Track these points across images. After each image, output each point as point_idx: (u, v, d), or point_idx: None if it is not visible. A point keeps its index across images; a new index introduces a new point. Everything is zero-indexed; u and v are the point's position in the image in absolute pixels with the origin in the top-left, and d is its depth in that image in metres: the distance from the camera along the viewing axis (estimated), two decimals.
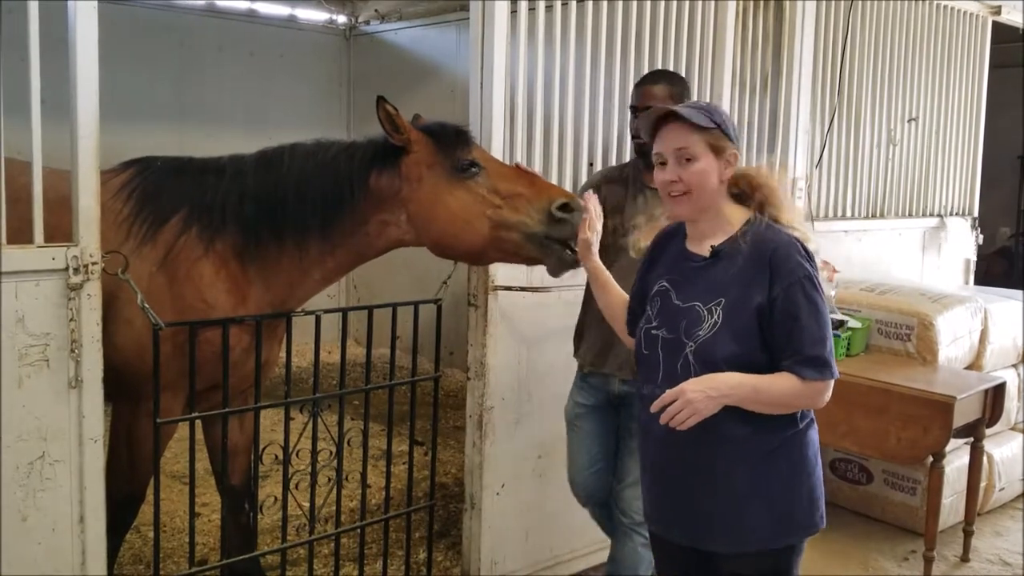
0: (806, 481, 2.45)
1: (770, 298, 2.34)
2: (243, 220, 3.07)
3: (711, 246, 2.47)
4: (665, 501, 2.54)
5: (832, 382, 2.38)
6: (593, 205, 2.93)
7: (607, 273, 2.91)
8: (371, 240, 3.17)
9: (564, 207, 3.02)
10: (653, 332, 2.50)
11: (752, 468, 2.40)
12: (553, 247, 3.05)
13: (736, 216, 2.48)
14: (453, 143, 3.10)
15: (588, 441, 3.55)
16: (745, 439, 2.38)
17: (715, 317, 2.38)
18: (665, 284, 2.53)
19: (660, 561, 2.73)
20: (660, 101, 3.22)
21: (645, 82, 3.51)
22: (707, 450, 2.40)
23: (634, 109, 3.47)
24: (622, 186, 3.48)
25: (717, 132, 2.42)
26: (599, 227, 2.91)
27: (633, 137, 3.53)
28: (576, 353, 3.59)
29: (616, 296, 2.87)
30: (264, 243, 3.08)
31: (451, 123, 3.21)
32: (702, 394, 2.27)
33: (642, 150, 3.32)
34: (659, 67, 4.35)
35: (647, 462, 2.60)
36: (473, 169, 3.08)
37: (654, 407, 2.33)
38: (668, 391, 2.31)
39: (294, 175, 3.09)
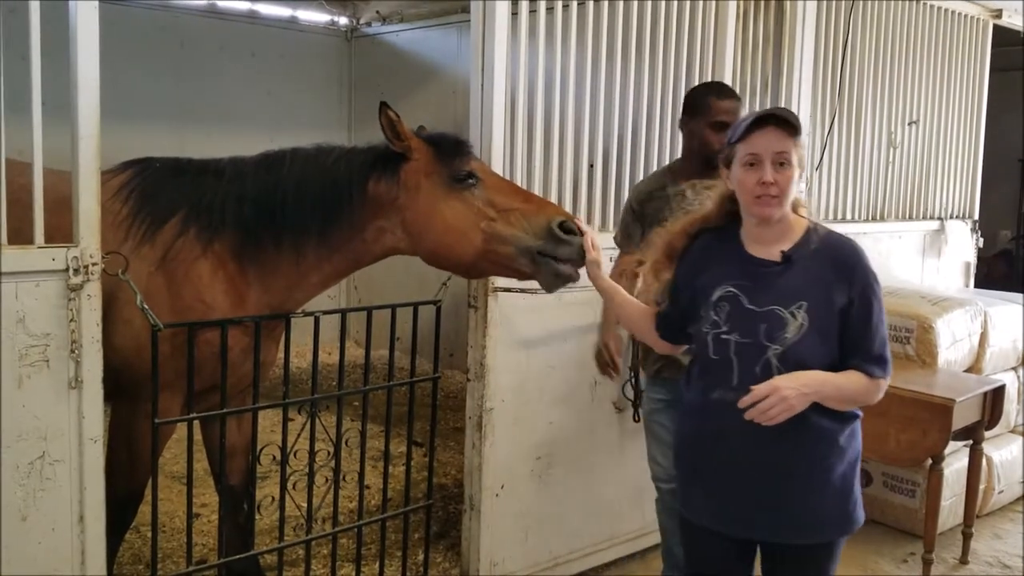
0: (859, 472, 2.62)
1: (848, 299, 2.49)
2: (242, 222, 3.08)
3: (782, 251, 2.55)
4: (742, 499, 2.58)
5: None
6: (585, 226, 3.07)
7: (621, 289, 2.99)
8: (368, 246, 3.19)
9: (565, 227, 3.04)
10: (723, 337, 2.54)
11: (832, 458, 2.54)
12: (547, 262, 3.06)
13: (796, 223, 2.60)
14: (452, 153, 3.12)
15: (669, 438, 3.62)
16: (829, 431, 2.52)
17: (800, 320, 2.46)
18: (732, 289, 2.56)
19: (704, 559, 2.75)
20: (733, 116, 3.30)
21: (723, 96, 3.54)
22: (795, 444, 2.49)
23: (719, 124, 3.44)
24: (663, 201, 3.56)
25: (800, 141, 2.52)
26: (600, 244, 3.01)
27: (707, 149, 3.47)
28: (643, 365, 3.76)
29: (635, 307, 2.95)
30: (262, 245, 3.09)
31: (452, 133, 3.22)
32: (795, 391, 2.39)
33: (713, 163, 3.38)
34: (659, 69, 4.37)
35: (713, 463, 2.63)
36: (470, 180, 3.10)
37: (744, 402, 2.41)
38: (759, 387, 2.40)
39: (294, 178, 3.10)
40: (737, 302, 2.54)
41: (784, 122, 2.49)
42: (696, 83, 4.53)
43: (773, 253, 2.57)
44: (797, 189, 2.57)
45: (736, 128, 2.57)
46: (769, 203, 2.49)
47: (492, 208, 3.08)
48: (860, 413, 2.62)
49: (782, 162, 2.48)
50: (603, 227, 4.24)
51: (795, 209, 2.61)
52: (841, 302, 2.48)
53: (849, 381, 2.48)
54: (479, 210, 3.07)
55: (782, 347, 2.46)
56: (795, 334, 2.46)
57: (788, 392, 2.38)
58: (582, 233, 3.04)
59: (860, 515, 2.63)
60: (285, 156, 3.19)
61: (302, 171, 3.12)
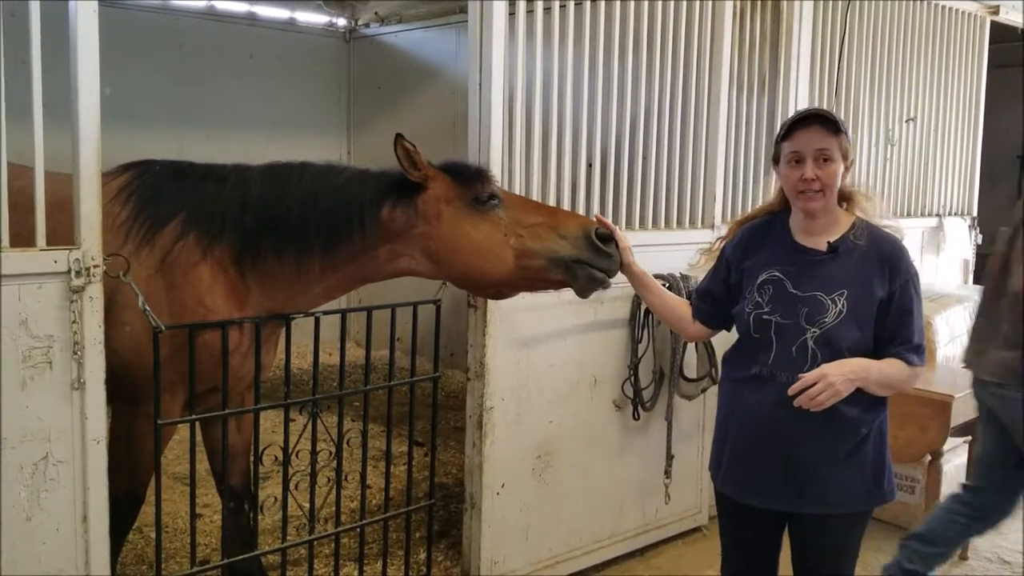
0: (888, 453, 2.83)
1: (889, 292, 2.67)
2: (243, 231, 3.07)
3: (828, 242, 2.73)
4: (766, 471, 2.77)
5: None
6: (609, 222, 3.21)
7: (650, 276, 3.17)
8: (379, 265, 3.19)
9: (601, 235, 3.07)
10: (765, 317, 2.73)
11: (856, 441, 2.71)
12: (583, 267, 3.07)
13: (843, 217, 2.78)
14: (473, 178, 3.13)
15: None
16: (858, 420, 2.69)
17: (839, 306, 2.66)
18: (778, 274, 2.76)
19: (736, 530, 2.96)
20: None
21: None
22: (823, 426, 2.66)
23: None
24: None
25: (845, 139, 2.71)
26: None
27: None
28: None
29: (668, 295, 3.21)
30: (263, 255, 3.09)
31: (467, 161, 3.24)
32: (842, 377, 2.57)
33: None
34: (656, 69, 4.38)
35: (745, 437, 2.82)
36: (493, 201, 3.11)
37: (794, 388, 2.59)
38: (810, 374, 2.58)
39: (301, 193, 3.09)
40: (781, 286, 2.74)
41: (826, 120, 2.68)
42: (693, 81, 4.56)
43: (820, 243, 2.75)
44: (847, 183, 2.76)
45: (782, 127, 2.76)
46: (812, 198, 2.68)
47: (519, 225, 3.09)
48: (886, 406, 2.80)
49: (825, 158, 2.66)
50: None
51: (848, 201, 2.80)
52: (881, 294, 2.67)
53: (891, 368, 2.66)
54: (507, 227, 3.08)
55: (820, 330, 2.66)
56: (833, 319, 2.65)
57: (835, 379, 2.55)
58: (610, 230, 3.14)
59: (890, 489, 2.81)
60: (293, 169, 3.18)
61: (311, 187, 3.11)
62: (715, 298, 2.97)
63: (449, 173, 3.15)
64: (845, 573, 2.84)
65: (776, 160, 2.81)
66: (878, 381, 2.65)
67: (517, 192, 3.87)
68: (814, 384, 2.56)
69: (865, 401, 2.69)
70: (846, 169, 2.73)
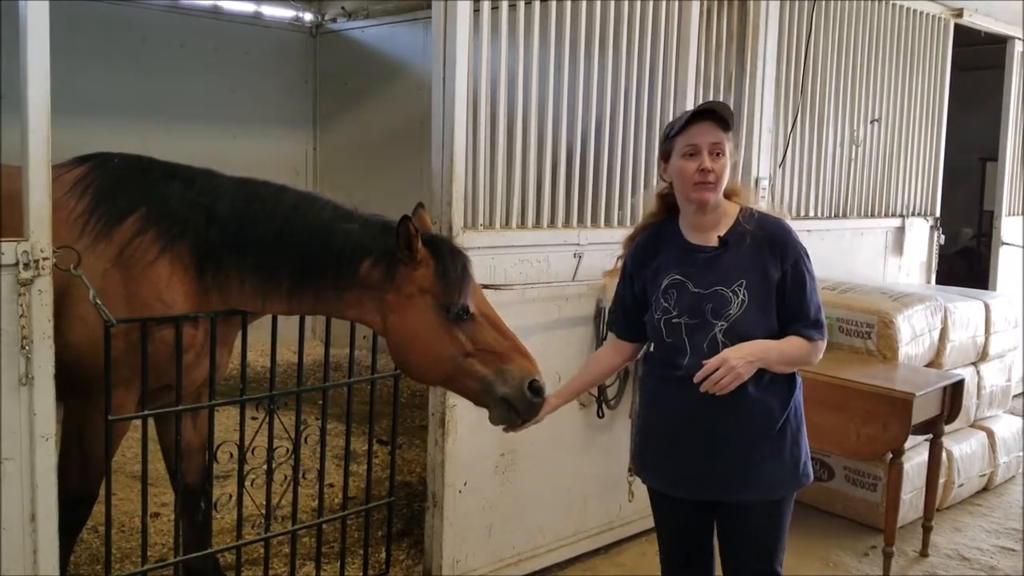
0: (803, 438, 2.88)
1: (782, 272, 2.74)
2: (205, 241, 3.00)
3: (718, 237, 2.78)
4: (688, 464, 2.83)
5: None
6: None
7: (565, 388, 3.18)
8: (342, 307, 3.11)
9: (535, 386, 3.00)
10: (675, 321, 2.79)
11: (773, 428, 2.78)
12: (504, 405, 3.02)
13: (730, 209, 2.83)
14: (455, 285, 3.00)
15: None
16: (770, 405, 2.77)
17: (741, 296, 2.72)
18: (678, 276, 2.80)
19: (667, 521, 3.02)
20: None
21: None
22: (739, 416, 2.74)
23: None
24: None
25: (734, 138, 2.74)
26: None
27: None
28: None
29: (586, 371, 3.20)
30: (224, 272, 3.02)
31: (460, 253, 3.10)
32: (742, 360, 2.64)
33: None
34: (623, 66, 4.37)
35: (668, 433, 2.87)
36: (463, 316, 3.00)
37: (699, 375, 2.65)
38: (711, 360, 2.65)
39: (277, 223, 3.01)
40: (684, 287, 2.79)
41: (719, 117, 2.72)
42: (660, 79, 4.55)
43: (711, 239, 2.80)
44: (734, 179, 2.85)
45: (675, 123, 2.79)
46: (707, 188, 2.72)
47: (472, 343, 3.01)
48: (798, 390, 2.86)
49: (718, 152, 2.71)
50: (567, 223, 4.24)
51: (729, 196, 2.85)
52: (776, 276, 2.74)
53: (790, 346, 2.74)
54: (461, 344, 3.00)
55: (727, 323, 2.72)
56: (738, 310, 2.72)
57: (735, 362, 2.63)
58: None
59: (806, 474, 2.86)
60: (269, 191, 3.10)
61: (286, 220, 3.02)
62: (627, 310, 2.99)
63: (436, 263, 3.02)
64: (772, 561, 2.86)
65: (666, 157, 2.82)
66: (778, 360, 2.72)
67: (480, 190, 3.85)
68: (717, 369, 2.62)
69: (776, 385, 2.77)
70: (733, 168, 2.79)
